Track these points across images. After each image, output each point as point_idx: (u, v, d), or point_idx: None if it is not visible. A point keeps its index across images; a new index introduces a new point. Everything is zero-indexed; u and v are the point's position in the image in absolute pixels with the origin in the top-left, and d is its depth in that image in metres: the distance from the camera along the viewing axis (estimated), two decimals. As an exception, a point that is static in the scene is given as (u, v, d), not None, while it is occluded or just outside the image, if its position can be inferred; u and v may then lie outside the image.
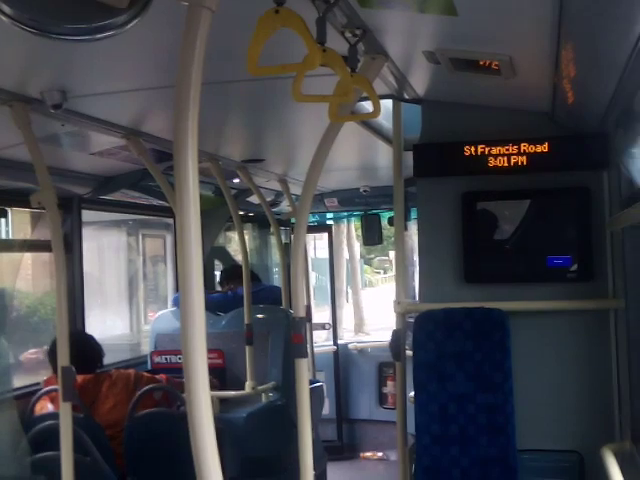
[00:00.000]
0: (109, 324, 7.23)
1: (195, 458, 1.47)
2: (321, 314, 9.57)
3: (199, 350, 1.50)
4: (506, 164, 3.61)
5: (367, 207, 7.48)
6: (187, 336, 1.51)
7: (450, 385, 3.56)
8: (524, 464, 3.53)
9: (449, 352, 3.59)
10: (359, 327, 10.15)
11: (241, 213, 6.60)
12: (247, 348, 5.09)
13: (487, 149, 3.63)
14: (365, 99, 3.09)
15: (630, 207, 2.75)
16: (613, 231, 3.47)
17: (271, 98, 3.60)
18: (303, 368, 2.76)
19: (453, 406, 3.54)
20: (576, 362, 3.68)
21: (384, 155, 4.89)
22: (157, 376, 4.76)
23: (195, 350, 1.50)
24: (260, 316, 5.53)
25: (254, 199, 6.06)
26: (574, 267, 3.65)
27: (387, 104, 3.87)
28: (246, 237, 7.86)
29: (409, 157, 3.90)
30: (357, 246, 11.95)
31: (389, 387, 7.30)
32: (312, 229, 8.26)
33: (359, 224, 8.15)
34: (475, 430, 3.50)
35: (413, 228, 6.44)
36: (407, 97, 3.72)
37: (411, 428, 3.72)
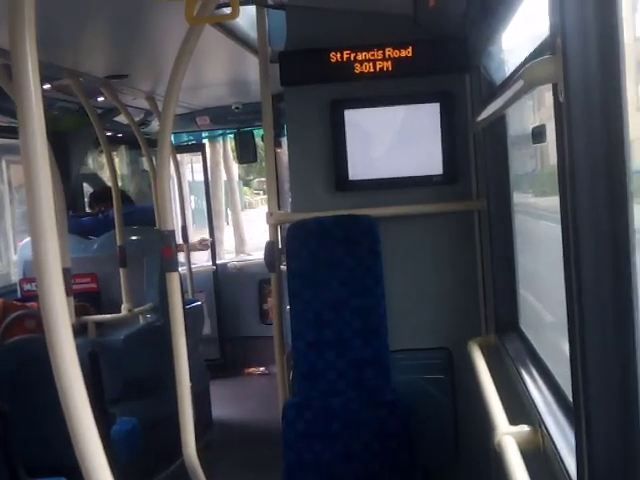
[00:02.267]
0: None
1: (58, 384, 1.42)
2: (201, 237, 9.47)
3: (54, 274, 1.42)
4: (372, 70, 3.61)
5: (240, 125, 7.36)
6: (40, 261, 1.42)
7: (324, 292, 3.61)
8: (397, 363, 3.66)
9: (322, 260, 3.62)
10: (240, 247, 10.13)
11: (111, 134, 6.38)
12: (121, 270, 5.00)
13: (353, 55, 3.61)
14: (226, 5, 2.99)
15: (486, 108, 2.81)
16: (476, 133, 3.56)
17: (131, 5, 3.43)
18: (175, 282, 2.73)
19: (328, 312, 3.60)
20: (444, 263, 3.80)
21: (255, 69, 4.81)
22: (28, 304, 4.60)
23: (49, 274, 1.42)
24: (134, 238, 5.42)
25: (123, 119, 5.84)
26: (440, 171, 3.73)
27: (254, 13, 3.77)
28: (117, 159, 7.65)
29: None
30: (235, 167, 11.81)
31: (269, 303, 7.37)
32: (184, 148, 8.09)
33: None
34: (349, 334, 3.59)
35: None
36: (270, 2, 3.63)
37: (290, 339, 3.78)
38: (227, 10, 3.39)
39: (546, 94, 2.30)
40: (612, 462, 1.57)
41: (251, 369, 7.41)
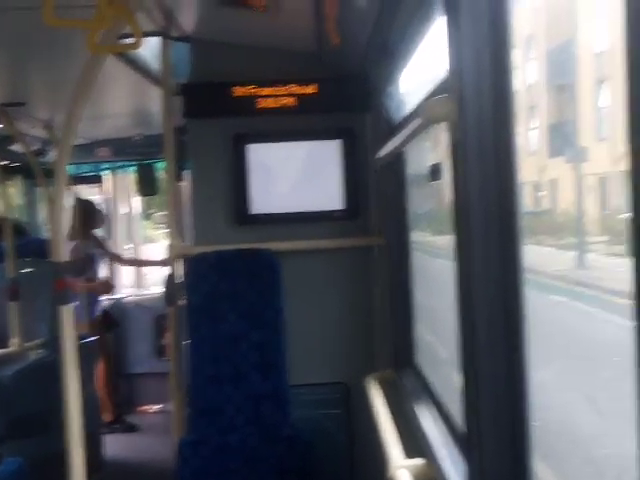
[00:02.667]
0: None
1: None
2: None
3: None
4: (275, 105, 3.64)
5: (142, 157, 7.25)
6: None
7: (224, 326, 3.58)
8: (296, 398, 3.64)
9: (222, 294, 3.59)
10: (139, 282, 9.90)
11: (6, 163, 6.17)
12: (10, 304, 4.82)
13: (257, 90, 3.64)
14: (130, 35, 2.96)
15: (385, 145, 2.87)
16: (376, 170, 3.63)
17: (29, 30, 3.34)
18: (68, 316, 2.65)
19: (227, 346, 3.56)
20: (343, 298, 3.84)
21: (158, 101, 4.77)
22: None
23: None
24: (27, 270, 5.23)
25: (20, 148, 5.67)
26: (341, 207, 3.77)
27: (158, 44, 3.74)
28: (13, 189, 7.40)
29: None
30: (136, 200, 11.58)
31: (167, 338, 7.20)
32: (82, 180, 7.89)
33: (138, 177, 7.89)
34: (248, 368, 3.55)
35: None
36: (175, 35, 3.61)
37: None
38: (130, 40, 3.38)
39: (442, 135, 2.37)
40: (502, 492, 1.61)
41: (144, 407, 7.20)
